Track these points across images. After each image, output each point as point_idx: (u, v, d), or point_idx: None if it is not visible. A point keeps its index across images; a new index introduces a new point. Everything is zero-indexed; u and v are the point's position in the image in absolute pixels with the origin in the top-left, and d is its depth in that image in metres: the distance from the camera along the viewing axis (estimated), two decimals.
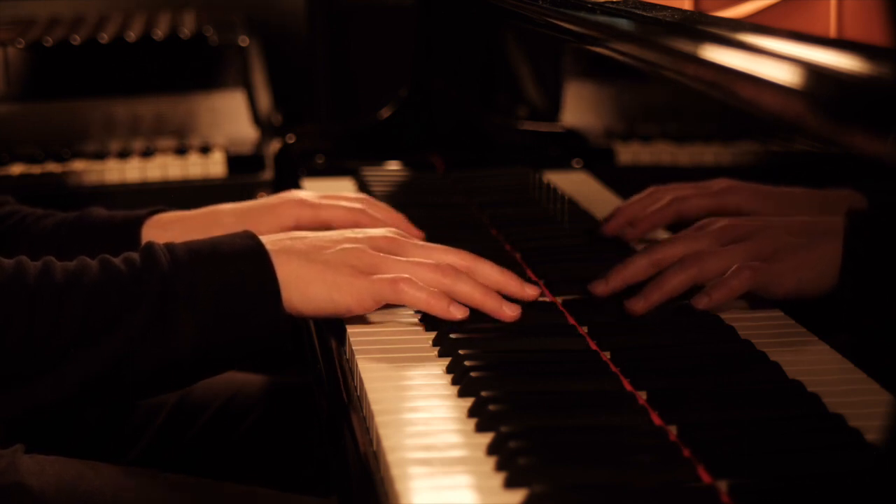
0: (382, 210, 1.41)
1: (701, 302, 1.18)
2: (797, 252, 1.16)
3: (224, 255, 1.13)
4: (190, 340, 1.09)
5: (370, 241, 1.18)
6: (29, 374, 1.07)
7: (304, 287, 1.13)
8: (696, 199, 1.34)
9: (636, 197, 1.42)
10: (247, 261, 1.13)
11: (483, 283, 1.18)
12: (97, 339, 1.08)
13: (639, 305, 1.18)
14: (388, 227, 1.30)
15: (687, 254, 1.20)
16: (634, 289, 1.21)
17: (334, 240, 1.18)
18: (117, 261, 1.12)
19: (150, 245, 1.13)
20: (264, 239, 1.15)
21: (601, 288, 1.22)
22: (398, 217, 1.40)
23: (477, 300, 1.16)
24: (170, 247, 1.13)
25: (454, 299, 1.15)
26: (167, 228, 1.39)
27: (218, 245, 1.14)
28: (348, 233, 1.20)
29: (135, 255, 1.12)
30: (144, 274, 1.10)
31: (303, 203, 1.40)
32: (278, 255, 1.13)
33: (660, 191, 1.40)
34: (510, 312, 1.16)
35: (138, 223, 1.39)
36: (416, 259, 1.17)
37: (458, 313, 1.15)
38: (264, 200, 1.43)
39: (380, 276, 1.14)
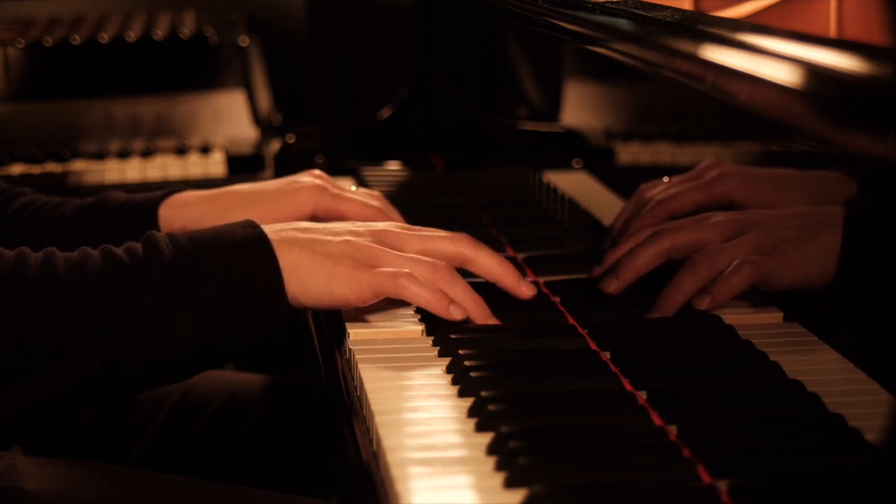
0: (394, 214, 1.40)
1: (703, 302, 1.17)
2: (797, 244, 1.16)
3: (227, 245, 1.13)
4: (192, 330, 1.09)
5: (372, 233, 1.18)
6: (29, 367, 1.07)
7: (305, 278, 1.13)
8: (688, 193, 1.34)
9: (628, 203, 1.42)
10: (250, 251, 1.13)
11: (483, 274, 1.19)
12: (100, 330, 1.08)
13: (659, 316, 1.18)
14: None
15: (692, 245, 1.20)
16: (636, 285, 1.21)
17: (336, 232, 1.18)
18: (119, 251, 1.12)
19: (152, 235, 1.14)
20: (267, 229, 1.15)
21: (613, 286, 1.21)
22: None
23: (468, 308, 1.16)
24: (172, 236, 1.13)
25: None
26: (184, 208, 1.39)
27: (220, 235, 1.14)
28: (350, 225, 1.20)
29: (137, 245, 1.13)
30: (147, 264, 1.10)
31: (322, 191, 1.39)
32: (281, 245, 1.13)
33: (648, 188, 1.39)
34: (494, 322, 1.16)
35: (155, 204, 1.39)
36: (416, 256, 1.17)
37: (458, 314, 1.15)
38: (283, 184, 1.42)
39: (381, 269, 1.14)
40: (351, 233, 1.18)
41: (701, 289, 1.18)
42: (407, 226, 1.24)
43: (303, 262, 1.13)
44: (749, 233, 1.19)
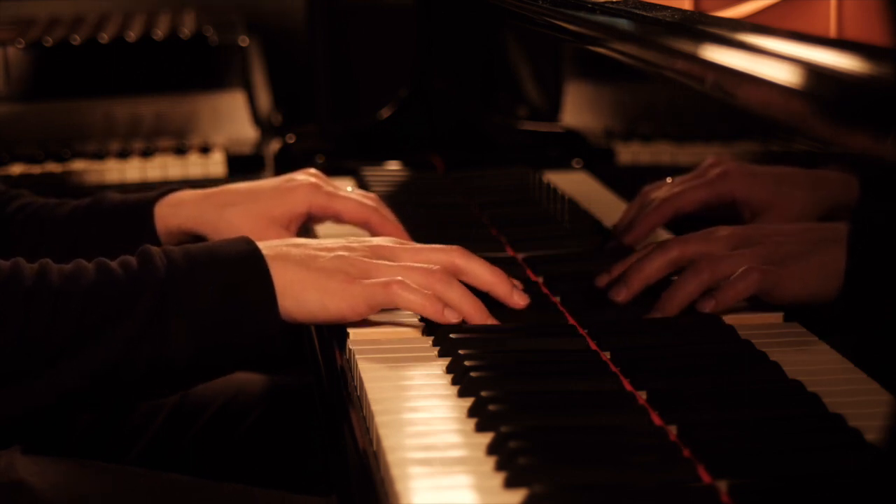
0: (388, 213, 1.41)
1: (707, 305, 1.17)
2: (804, 258, 1.16)
3: (221, 261, 1.13)
4: (185, 345, 1.09)
5: (366, 248, 1.18)
6: (22, 376, 1.07)
7: (299, 293, 1.13)
8: (692, 191, 1.34)
9: (632, 204, 1.42)
10: (244, 267, 1.12)
11: (476, 284, 1.18)
12: (92, 343, 1.07)
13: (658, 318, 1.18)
14: (395, 225, 1.32)
15: (698, 255, 1.20)
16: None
17: (330, 247, 1.18)
18: (114, 264, 1.12)
19: (147, 249, 1.13)
20: (261, 245, 1.15)
21: (623, 294, 1.21)
22: (399, 227, 1.40)
23: (465, 310, 1.15)
24: (167, 251, 1.13)
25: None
26: (180, 207, 1.39)
27: (215, 251, 1.14)
28: (344, 241, 1.20)
29: (132, 259, 1.12)
30: (141, 278, 1.10)
31: (317, 190, 1.39)
32: (275, 261, 1.13)
33: (653, 189, 1.40)
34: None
35: (151, 203, 1.39)
36: (409, 264, 1.17)
37: (453, 317, 1.14)
38: (278, 182, 1.42)
39: (372, 280, 1.14)
40: (345, 248, 1.17)
41: (702, 292, 1.18)
42: (400, 241, 1.23)
43: (296, 277, 1.13)
44: (755, 246, 1.19)
